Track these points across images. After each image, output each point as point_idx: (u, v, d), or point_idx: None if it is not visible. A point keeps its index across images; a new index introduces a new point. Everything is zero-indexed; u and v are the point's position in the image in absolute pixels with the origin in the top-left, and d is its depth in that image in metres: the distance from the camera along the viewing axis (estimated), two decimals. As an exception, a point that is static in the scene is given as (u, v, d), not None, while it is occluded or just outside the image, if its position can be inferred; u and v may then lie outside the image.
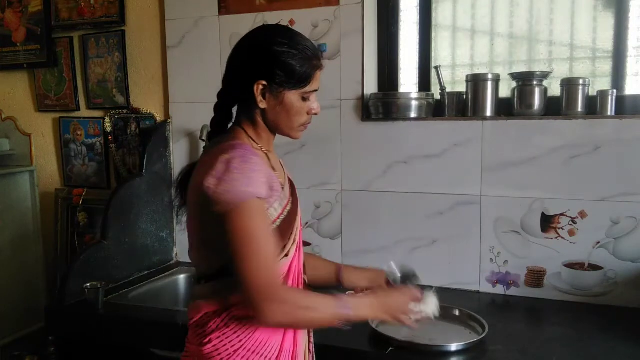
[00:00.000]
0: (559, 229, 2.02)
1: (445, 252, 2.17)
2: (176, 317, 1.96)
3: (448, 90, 2.19)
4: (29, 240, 2.80)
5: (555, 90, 2.10)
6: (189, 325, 1.36)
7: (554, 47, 2.18)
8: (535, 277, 2.07)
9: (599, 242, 1.98)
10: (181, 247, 2.63)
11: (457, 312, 1.88)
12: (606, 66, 2.12)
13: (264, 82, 1.28)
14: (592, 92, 2.02)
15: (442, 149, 2.14)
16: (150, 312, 2.04)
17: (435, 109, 2.22)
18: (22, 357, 2.59)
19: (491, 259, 2.12)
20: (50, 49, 2.76)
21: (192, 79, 2.51)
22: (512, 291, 2.11)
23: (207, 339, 1.28)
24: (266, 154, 1.37)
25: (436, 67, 2.20)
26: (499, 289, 2.13)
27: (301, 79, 1.29)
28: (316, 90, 1.34)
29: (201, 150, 2.49)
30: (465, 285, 2.16)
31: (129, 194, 2.37)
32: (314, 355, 1.48)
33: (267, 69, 1.27)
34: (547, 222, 2.03)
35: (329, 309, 1.26)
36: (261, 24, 1.43)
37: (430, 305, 1.43)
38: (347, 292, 1.48)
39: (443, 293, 2.11)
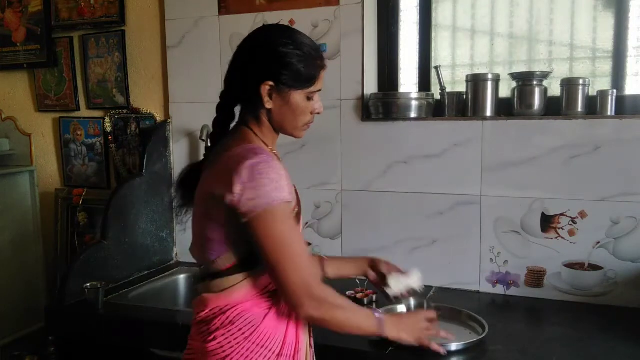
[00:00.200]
0: (559, 229, 2.02)
1: (445, 252, 2.17)
2: (176, 317, 1.96)
3: (448, 90, 2.19)
4: (29, 240, 2.80)
5: (555, 90, 2.10)
6: (193, 322, 1.37)
7: (554, 47, 2.18)
8: (535, 277, 2.07)
9: (599, 242, 1.98)
10: (181, 247, 2.63)
11: (457, 312, 1.88)
12: (606, 66, 2.12)
13: (271, 83, 1.29)
14: (592, 92, 2.02)
15: (442, 149, 2.14)
16: (150, 312, 2.04)
17: (435, 109, 2.22)
18: (22, 357, 2.59)
19: (491, 259, 2.12)
20: (50, 49, 2.76)
21: (192, 79, 2.51)
22: (512, 291, 2.11)
23: (212, 337, 1.30)
24: (275, 154, 1.38)
25: (436, 67, 2.20)
26: (499, 289, 2.13)
27: (307, 80, 1.31)
28: (320, 90, 1.36)
29: (201, 150, 2.49)
30: (465, 285, 2.16)
31: (129, 194, 2.37)
32: (314, 350, 1.49)
33: (274, 69, 1.29)
34: (547, 222, 2.03)
35: (360, 314, 1.36)
36: (261, 24, 1.44)
37: (415, 279, 1.56)
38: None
39: (443, 293, 2.14)
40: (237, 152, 1.27)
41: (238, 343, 1.28)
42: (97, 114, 2.75)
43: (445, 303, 1.96)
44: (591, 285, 2.01)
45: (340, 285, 2.04)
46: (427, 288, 2.17)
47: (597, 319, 1.88)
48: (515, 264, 2.09)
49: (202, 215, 1.34)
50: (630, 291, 1.96)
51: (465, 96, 2.16)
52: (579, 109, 2.00)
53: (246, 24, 2.37)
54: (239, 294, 1.30)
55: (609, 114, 1.96)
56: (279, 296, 1.32)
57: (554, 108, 2.05)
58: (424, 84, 2.33)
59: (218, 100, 1.42)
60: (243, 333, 1.29)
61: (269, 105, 1.31)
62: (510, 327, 1.84)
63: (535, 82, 2.04)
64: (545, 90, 2.05)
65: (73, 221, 2.77)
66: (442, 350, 1.52)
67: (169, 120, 2.58)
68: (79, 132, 2.79)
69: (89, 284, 2.06)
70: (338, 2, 2.24)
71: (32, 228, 2.81)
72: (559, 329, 1.82)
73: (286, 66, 1.28)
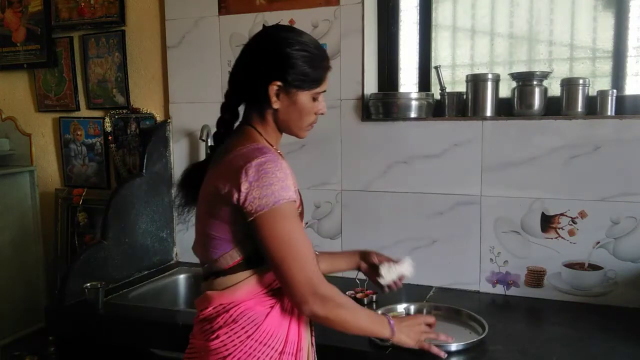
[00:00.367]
0: (559, 229, 2.02)
1: (445, 252, 2.17)
2: (176, 317, 1.96)
3: (448, 90, 2.19)
4: (29, 240, 2.80)
5: (555, 90, 2.10)
6: (195, 321, 1.38)
7: (554, 47, 2.18)
8: (535, 277, 2.07)
9: (599, 242, 1.98)
10: (181, 247, 2.63)
11: (457, 312, 1.88)
12: (606, 66, 2.12)
13: (279, 83, 1.31)
14: (592, 92, 2.02)
15: (442, 149, 2.14)
16: (150, 312, 2.04)
17: (435, 109, 2.22)
18: (22, 357, 2.59)
19: (491, 259, 2.12)
20: (50, 49, 2.76)
21: (192, 79, 2.51)
22: (512, 291, 2.11)
23: (215, 335, 1.30)
24: (279, 154, 1.38)
25: (436, 67, 2.20)
26: (499, 289, 2.13)
27: (314, 80, 1.33)
28: (325, 91, 1.38)
29: (201, 150, 2.49)
30: (465, 285, 2.16)
31: (129, 194, 2.37)
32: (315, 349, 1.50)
33: (283, 70, 1.30)
34: (547, 222, 2.03)
35: (362, 314, 1.37)
36: (261, 24, 1.44)
37: (406, 266, 1.60)
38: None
39: (443, 293, 2.14)
40: (243, 152, 1.28)
41: (241, 341, 1.29)
42: (97, 114, 2.75)
43: (445, 303, 1.96)
44: (591, 285, 2.01)
45: (341, 285, 2.05)
46: (427, 288, 2.18)
47: (597, 319, 1.88)
48: (515, 264, 2.09)
49: (205, 214, 1.34)
50: (630, 291, 1.96)
51: (465, 96, 2.16)
52: (579, 109, 2.00)
53: (246, 24, 2.37)
54: (243, 292, 1.31)
55: (609, 114, 1.96)
56: (282, 294, 1.33)
57: (554, 108, 2.05)
58: (424, 84, 2.33)
59: (218, 100, 1.42)
60: (246, 331, 1.29)
61: (276, 105, 1.33)
62: (510, 327, 1.84)
63: (535, 82, 2.04)
64: (545, 90, 2.05)
65: (73, 221, 2.77)
66: (442, 354, 1.52)
67: (169, 120, 2.58)
68: (79, 132, 2.79)
69: (89, 284, 2.06)
70: (338, 2, 2.24)
71: (32, 228, 2.81)
72: (559, 329, 1.82)
73: (294, 67, 1.30)
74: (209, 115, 2.43)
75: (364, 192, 2.28)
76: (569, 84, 2.01)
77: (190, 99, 2.52)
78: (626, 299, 1.97)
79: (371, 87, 2.31)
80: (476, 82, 2.11)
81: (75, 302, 2.09)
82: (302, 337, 1.37)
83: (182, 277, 2.46)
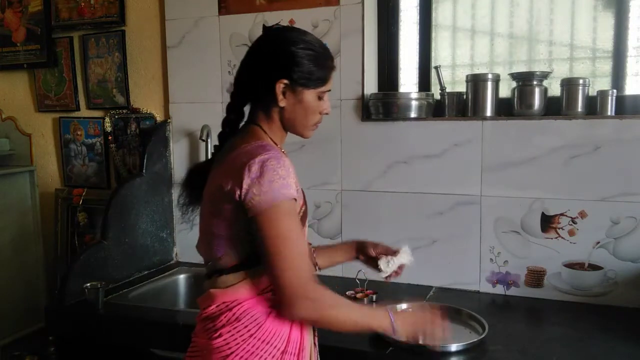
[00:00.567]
0: (559, 229, 2.02)
1: (445, 252, 2.17)
2: (176, 317, 1.96)
3: (448, 90, 2.19)
4: (29, 240, 2.80)
5: (555, 90, 2.10)
6: (197, 319, 1.38)
7: (554, 47, 2.18)
8: (535, 277, 2.07)
9: (599, 242, 1.98)
10: (181, 247, 2.63)
11: (457, 312, 1.88)
12: (606, 66, 2.12)
13: (286, 81, 1.32)
14: (592, 92, 2.02)
15: (442, 149, 2.14)
16: (150, 312, 2.04)
17: (435, 109, 2.22)
18: (22, 357, 2.59)
19: (491, 259, 2.12)
20: (50, 49, 2.76)
21: (192, 79, 2.51)
22: (512, 291, 2.11)
23: (217, 333, 1.30)
24: (284, 153, 1.38)
25: (436, 67, 2.20)
26: (499, 289, 2.13)
27: (319, 79, 1.35)
28: (329, 90, 1.40)
29: (201, 150, 2.49)
30: (465, 285, 2.16)
31: (129, 194, 2.37)
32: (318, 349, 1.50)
33: (289, 68, 1.32)
34: (547, 222, 2.03)
35: (356, 311, 1.35)
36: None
37: (404, 256, 1.61)
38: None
39: (443, 293, 2.14)
40: (247, 149, 1.29)
41: (244, 340, 1.29)
42: (97, 114, 2.75)
43: (445, 303, 1.96)
44: (591, 285, 2.01)
45: (341, 285, 2.06)
46: (427, 288, 2.18)
47: (597, 319, 1.88)
48: (515, 264, 2.09)
49: (209, 213, 1.35)
50: (630, 291, 1.96)
51: (465, 96, 2.16)
52: (579, 109, 2.00)
53: (246, 24, 2.37)
54: (246, 290, 1.31)
55: (609, 114, 1.96)
56: None
57: (554, 108, 2.05)
58: (424, 84, 2.33)
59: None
60: (249, 330, 1.29)
61: (282, 103, 1.34)
62: (510, 327, 1.84)
63: (535, 82, 2.04)
64: (545, 90, 2.05)
65: (73, 221, 2.77)
66: (436, 347, 1.51)
67: (169, 120, 2.58)
68: (79, 132, 2.79)
69: (89, 284, 2.06)
70: (338, 2, 2.24)
71: (32, 228, 2.81)
72: (559, 329, 1.82)
73: (300, 65, 1.32)
74: (209, 115, 2.44)
75: (364, 192, 2.28)
76: (569, 84, 2.01)
77: (190, 99, 2.52)
78: (626, 299, 1.97)
79: (371, 87, 2.31)
80: (476, 82, 2.11)
81: (75, 302, 2.09)
82: (304, 337, 1.37)
83: (182, 277, 2.46)
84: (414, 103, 2.15)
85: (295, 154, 2.29)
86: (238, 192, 1.24)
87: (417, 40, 2.33)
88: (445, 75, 2.23)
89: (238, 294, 1.31)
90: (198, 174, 1.43)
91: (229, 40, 2.42)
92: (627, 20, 2.05)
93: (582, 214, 1.99)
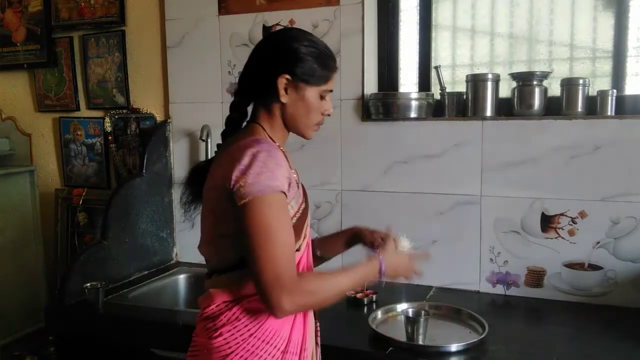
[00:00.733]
0: (559, 229, 2.02)
1: (445, 252, 2.17)
2: (176, 317, 1.97)
3: (448, 90, 2.19)
4: (29, 240, 2.80)
5: (555, 90, 2.10)
6: (198, 319, 1.38)
7: (554, 47, 2.18)
8: (535, 277, 2.07)
9: (599, 242, 1.98)
10: (181, 247, 2.63)
11: (457, 312, 1.88)
12: (606, 66, 2.12)
13: (288, 76, 1.32)
14: (592, 92, 2.02)
15: (442, 149, 2.14)
16: (150, 312, 2.04)
17: (435, 109, 2.22)
18: (22, 357, 2.59)
19: (491, 259, 2.12)
20: (50, 49, 2.76)
21: (192, 79, 2.51)
22: (512, 291, 2.11)
23: (218, 333, 1.30)
24: (283, 152, 1.39)
25: (436, 67, 2.20)
26: (499, 289, 2.13)
27: (321, 77, 1.36)
28: (331, 91, 1.40)
29: (201, 150, 2.49)
30: (465, 285, 2.16)
31: (129, 194, 2.37)
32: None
33: (291, 64, 1.32)
34: (547, 222, 2.03)
35: (339, 283, 1.29)
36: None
37: (404, 245, 1.59)
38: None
39: (443, 293, 2.14)
40: (241, 143, 1.29)
41: (244, 339, 1.29)
42: (97, 114, 2.75)
43: (445, 303, 1.96)
44: (591, 285, 2.01)
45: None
46: (427, 288, 2.18)
47: (597, 319, 1.88)
48: (515, 264, 2.09)
49: (208, 211, 1.35)
50: (630, 291, 1.96)
51: (465, 96, 2.16)
52: (579, 109, 2.00)
53: (246, 24, 2.37)
54: (245, 290, 1.30)
55: (609, 114, 1.96)
56: None
57: (554, 108, 2.05)
58: (424, 84, 2.33)
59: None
60: (249, 329, 1.29)
61: (284, 99, 1.34)
62: (510, 327, 1.84)
63: (535, 82, 2.04)
64: (545, 90, 2.05)
65: (73, 221, 2.77)
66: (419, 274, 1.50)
67: (169, 120, 2.58)
68: (79, 132, 2.79)
69: (89, 284, 2.06)
70: (338, 2, 2.24)
71: (32, 228, 2.81)
72: (559, 329, 1.82)
73: (303, 62, 1.32)
74: (209, 115, 2.44)
75: (364, 192, 2.28)
76: (569, 84, 2.01)
77: (190, 99, 2.52)
78: (626, 299, 1.97)
79: (371, 87, 2.31)
80: (476, 82, 2.11)
81: (75, 302, 2.09)
82: (306, 337, 1.37)
83: (182, 277, 2.46)
84: (414, 103, 2.15)
85: (295, 154, 2.28)
86: (228, 184, 1.23)
87: (417, 40, 2.33)
88: (445, 75, 2.23)
89: (238, 293, 1.31)
90: (199, 173, 1.43)
91: (229, 40, 2.42)
92: (627, 20, 2.05)
93: (582, 214, 1.99)
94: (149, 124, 2.62)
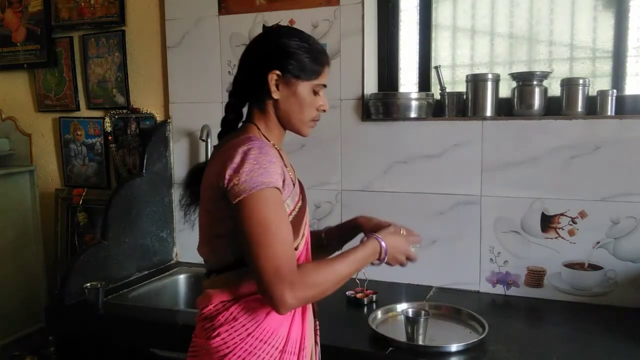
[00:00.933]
0: (559, 229, 2.02)
1: (445, 252, 2.17)
2: (176, 317, 1.97)
3: (448, 90, 2.19)
4: (29, 240, 2.80)
5: (555, 90, 2.10)
6: (197, 320, 1.38)
7: (554, 47, 2.18)
8: (535, 277, 2.07)
9: (599, 242, 1.98)
10: (181, 247, 2.63)
11: (457, 312, 1.88)
12: (606, 66, 2.12)
13: (278, 72, 1.32)
14: (592, 92, 2.02)
15: (442, 149, 2.14)
16: (150, 312, 2.04)
17: (435, 109, 2.22)
18: (22, 357, 2.59)
19: (491, 259, 2.12)
20: (50, 49, 2.76)
21: (192, 79, 2.51)
22: (512, 291, 2.11)
23: (216, 333, 1.30)
24: (278, 150, 1.39)
25: (436, 67, 2.20)
26: (499, 289, 2.13)
27: (312, 71, 1.35)
28: (325, 86, 1.39)
29: (201, 150, 2.49)
30: (465, 285, 2.16)
31: (129, 194, 2.37)
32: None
33: (281, 60, 1.32)
34: (547, 222, 2.03)
35: (340, 270, 1.29)
36: (261, 24, 1.45)
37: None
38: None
39: (443, 293, 2.14)
40: (234, 142, 1.29)
41: (242, 339, 1.29)
42: (97, 114, 2.75)
43: (445, 303, 1.96)
44: (591, 285, 2.01)
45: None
46: (427, 288, 2.18)
47: (597, 319, 1.88)
48: (515, 264, 2.09)
49: (206, 212, 1.35)
50: (630, 291, 1.96)
51: (465, 96, 2.16)
52: (579, 109, 2.00)
53: (246, 24, 2.37)
54: (243, 289, 1.30)
55: (609, 114, 1.96)
56: None
57: (554, 108, 2.05)
58: (424, 84, 2.33)
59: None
60: (247, 329, 1.29)
61: (276, 95, 1.34)
62: (510, 327, 1.84)
63: (535, 82, 2.04)
64: (545, 90, 2.05)
65: (73, 221, 2.77)
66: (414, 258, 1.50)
67: (169, 120, 2.58)
68: (79, 132, 2.79)
69: (89, 284, 2.06)
70: (338, 2, 2.24)
71: (32, 228, 2.81)
72: (559, 329, 1.82)
73: (292, 56, 1.32)
74: (209, 115, 2.44)
75: (364, 192, 2.28)
76: (569, 84, 2.01)
77: (190, 99, 2.52)
78: (626, 299, 1.97)
79: (371, 87, 2.31)
80: (476, 82, 2.11)
81: (75, 302, 2.09)
82: (305, 337, 1.37)
83: (182, 277, 2.46)
84: (414, 103, 2.15)
85: (295, 154, 2.29)
86: (221, 183, 1.23)
87: (417, 40, 2.33)
88: (445, 75, 2.23)
89: (235, 293, 1.31)
90: (198, 174, 1.43)
91: (229, 40, 2.42)
92: (627, 20, 2.05)
93: (582, 214, 1.99)
94: (149, 124, 2.62)
